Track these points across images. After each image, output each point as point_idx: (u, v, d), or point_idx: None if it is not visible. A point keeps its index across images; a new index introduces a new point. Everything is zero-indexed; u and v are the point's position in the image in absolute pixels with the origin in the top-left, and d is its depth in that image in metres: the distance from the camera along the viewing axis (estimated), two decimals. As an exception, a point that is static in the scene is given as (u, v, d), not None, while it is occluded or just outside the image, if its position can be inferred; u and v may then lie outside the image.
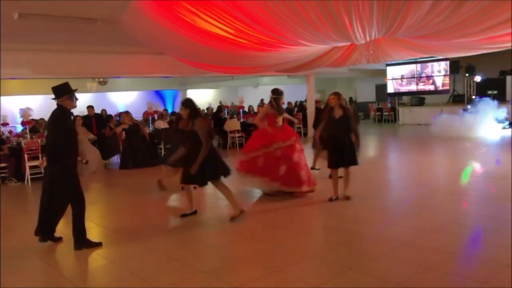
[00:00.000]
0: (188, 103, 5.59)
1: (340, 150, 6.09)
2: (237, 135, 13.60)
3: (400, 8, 4.22)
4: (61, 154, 4.67)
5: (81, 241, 4.80)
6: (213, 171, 5.49)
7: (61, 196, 4.80)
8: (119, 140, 11.14)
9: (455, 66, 16.74)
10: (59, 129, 4.72)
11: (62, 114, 4.79)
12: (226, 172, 5.66)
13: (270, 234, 5.10)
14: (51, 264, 4.52)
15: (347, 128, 6.09)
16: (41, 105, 17.40)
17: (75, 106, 4.95)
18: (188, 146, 5.75)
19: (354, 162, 6.18)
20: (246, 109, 17.03)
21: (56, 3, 6.05)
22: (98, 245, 4.86)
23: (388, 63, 17.54)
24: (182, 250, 4.74)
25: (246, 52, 6.60)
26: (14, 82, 16.17)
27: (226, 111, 16.26)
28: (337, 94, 6.19)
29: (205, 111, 19.24)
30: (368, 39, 5.69)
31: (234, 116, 14.89)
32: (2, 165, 9.23)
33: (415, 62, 17.46)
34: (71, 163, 4.81)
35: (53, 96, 4.81)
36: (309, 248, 4.61)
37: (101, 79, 17.13)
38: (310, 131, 15.69)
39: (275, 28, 5.46)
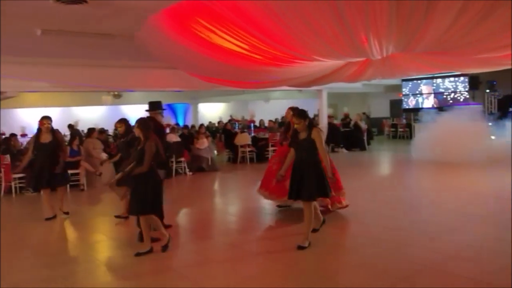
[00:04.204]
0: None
1: (301, 178, 5.02)
2: (247, 149, 13.51)
3: (420, 23, 4.11)
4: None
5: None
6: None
7: (159, 199, 5.23)
8: (131, 153, 11.14)
9: (475, 82, 16.44)
10: (164, 139, 5.60)
11: (161, 127, 5.59)
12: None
13: (283, 254, 4.96)
14: (62, 275, 4.45)
15: (312, 152, 5.04)
16: (59, 117, 17.67)
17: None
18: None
19: (319, 193, 5.06)
20: (257, 123, 16.99)
21: (75, 20, 6.12)
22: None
23: (404, 78, 17.33)
24: (195, 268, 4.63)
25: (260, 67, 6.55)
26: (33, 95, 16.44)
27: (236, 125, 16.23)
28: (294, 111, 5.47)
29: (216, 125, 19.27)
30: (384, 55, 5.58)
31: (245, 130, 14.85)
32: (21, 175, 9.26)
33: (432, 78, 17.21)
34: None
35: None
36: (323, 269, 4.47)
37: (115, 93, 17.28)
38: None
39: (289, 44, 5.39)
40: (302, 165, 5.04)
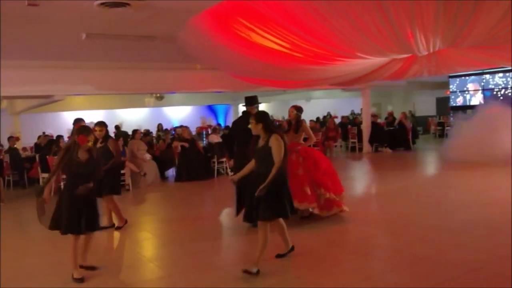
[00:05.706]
0: None
1: (254, 195, 4.10)
2: (289, 149, 13.41)
3: (469, 16, 3.93)
4: None
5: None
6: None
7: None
8: (174, 154, 11.42)
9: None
10: None
11: None
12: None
13: (327, 253, 4.89)
14: (110, 271, 4.60)
15: (270, 163, 4.11)
16: (103, 119, 18.36)
17: None
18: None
19: (275, 213, 4.22)
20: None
21: (119, 23, 6.31)
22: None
23: (451, 74, 16.69)
24: (237, 266, 4.64)
25: (301, 65, 6.50)
26: (79, 98, 17.11)
27: (277, 125, 16.21)
28: (256, 116, 4.39)
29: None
30: (431, 50, 5.38)
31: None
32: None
33: (481, 73, 16.47)
34: None
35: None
36: (368, 269, 4.37)
37: (158, 95, 17.71)
38: (366, 146, 15.25)
39: (331, 41, 5.32)
40: (259, 180, 4.09)
